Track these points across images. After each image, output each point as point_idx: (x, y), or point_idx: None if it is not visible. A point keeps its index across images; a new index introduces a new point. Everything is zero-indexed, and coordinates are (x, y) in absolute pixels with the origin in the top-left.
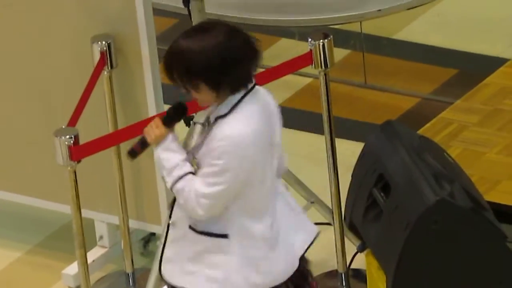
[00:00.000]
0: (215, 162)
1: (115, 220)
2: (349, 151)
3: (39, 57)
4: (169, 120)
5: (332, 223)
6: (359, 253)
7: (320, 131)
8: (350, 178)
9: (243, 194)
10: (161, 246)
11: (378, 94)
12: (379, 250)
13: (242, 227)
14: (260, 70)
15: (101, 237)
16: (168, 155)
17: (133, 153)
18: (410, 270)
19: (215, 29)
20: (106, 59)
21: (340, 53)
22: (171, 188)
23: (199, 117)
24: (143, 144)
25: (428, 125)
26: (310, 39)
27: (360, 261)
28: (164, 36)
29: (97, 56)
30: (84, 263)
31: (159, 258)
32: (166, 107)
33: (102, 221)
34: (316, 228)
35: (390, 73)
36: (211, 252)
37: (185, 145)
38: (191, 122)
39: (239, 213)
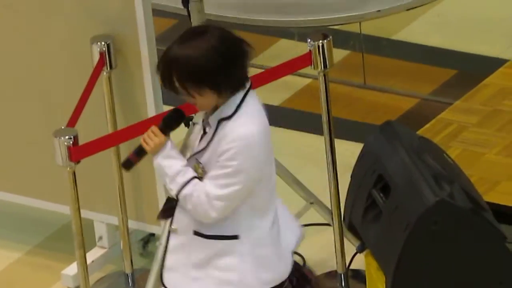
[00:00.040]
0: (228, 164)
1: (115, 220)
2: (349, 151)
3: (38, 58)
4: (167, 128)
5: (331, 224)
6: (358, 254)
7: (320, 132)
8: (349, 178)
9: (253, 192)
10: (162, 252)
11: (378, 94)
12: (378, 251)
13: (250, 225)
14: (259, 70)
15: (100, 238)
16: (170, 162)
17: (129, 164)
18: (409, 270)
19: (207, 32)
20: (106, 59)
21: (339, 54)
22: (177, 195)
23: (199, 117)
24: (139, 154)
25: (427, 125)
26: (309, 40)
27: (360, 262)
28: (164, 36)
29: (96, 57)
30: (84, 264)
31: (159, 261)
32: (166, 108)
33: (102, 222)
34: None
35: (390, 73)
36: (222, 255)
37: (184, 146)
38: (190, 122)
39: (246, 212)
